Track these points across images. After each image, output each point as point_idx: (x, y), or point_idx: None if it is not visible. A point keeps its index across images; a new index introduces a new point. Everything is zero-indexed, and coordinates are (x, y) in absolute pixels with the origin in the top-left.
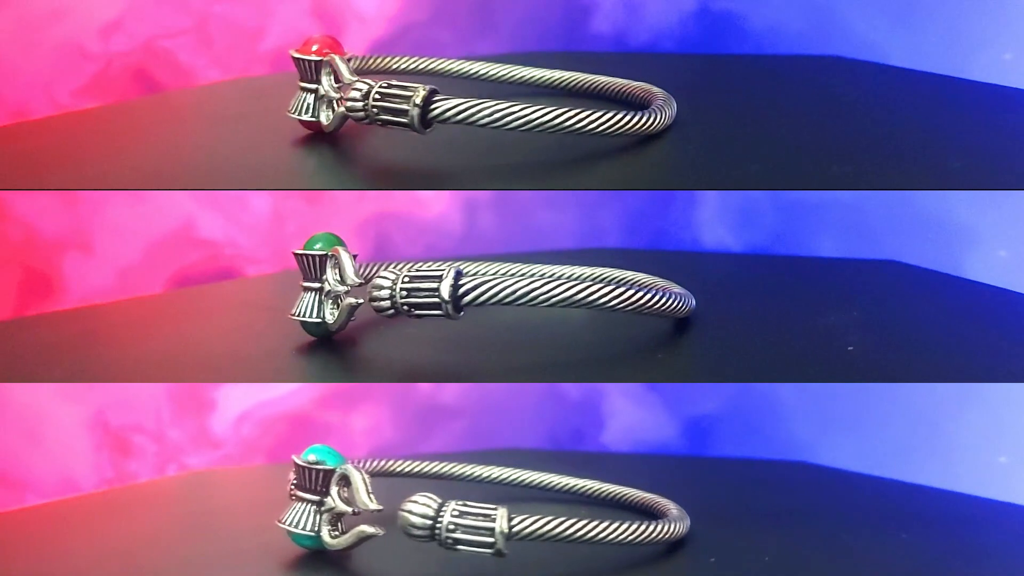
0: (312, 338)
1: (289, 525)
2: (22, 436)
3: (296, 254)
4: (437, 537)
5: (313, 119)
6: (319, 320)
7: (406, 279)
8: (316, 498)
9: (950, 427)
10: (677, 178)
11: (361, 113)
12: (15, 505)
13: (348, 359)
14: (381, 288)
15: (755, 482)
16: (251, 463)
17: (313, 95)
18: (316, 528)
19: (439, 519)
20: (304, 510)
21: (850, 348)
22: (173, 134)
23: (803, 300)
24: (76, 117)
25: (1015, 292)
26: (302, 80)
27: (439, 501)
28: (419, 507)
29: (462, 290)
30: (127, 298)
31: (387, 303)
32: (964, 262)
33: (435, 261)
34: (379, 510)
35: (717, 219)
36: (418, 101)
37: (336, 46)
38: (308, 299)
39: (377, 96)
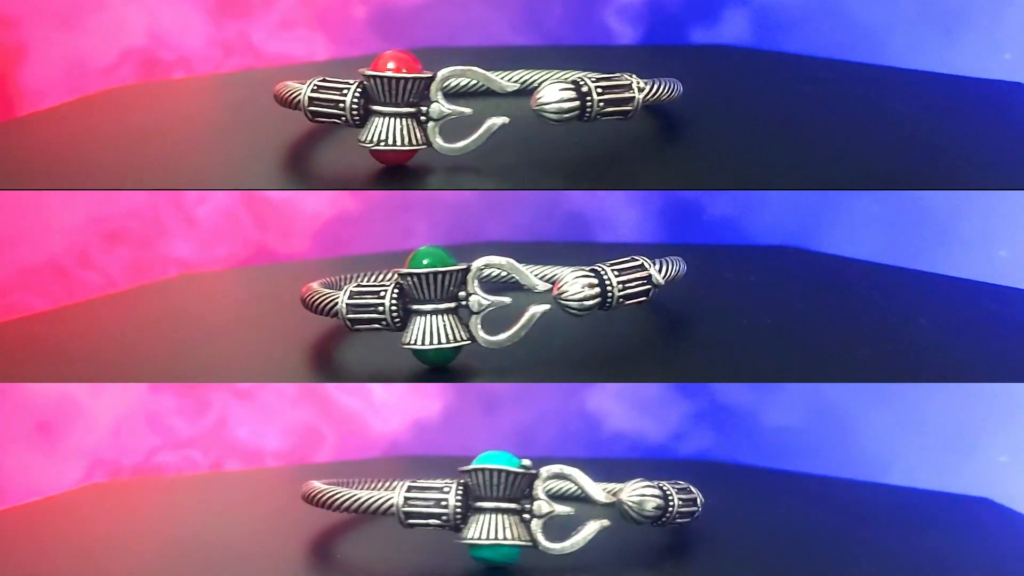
0: (316, 332)
1: (493, 539)
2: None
3: (416, 274)
4: (667, 517)
5: (416, 146)
6: (465, 341)
7: (615, 272)
8: (515, 505)
9: (950, 427)
10: (685, 178)
11: (575, 112)
12: None
13: (348, 359)
14: (591, 287)
15: (759, 487)
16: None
17: (408, 119)
18: (528, 537)
19: (670, 503)
20: (500, 521)
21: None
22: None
23: (804, 299)
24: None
25: (1015, 292)
26: (379, 103)
27: (656, 483)
28: (649, 491)
29: (664, 273)
30: (126, 289)
31: (597, 300)
32: (964, 262)
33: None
34: (612, 503)
35: (718, 217)
36: (642, 85)
37: (417, 63)
38: (433, 323)
39: (600, 91)
